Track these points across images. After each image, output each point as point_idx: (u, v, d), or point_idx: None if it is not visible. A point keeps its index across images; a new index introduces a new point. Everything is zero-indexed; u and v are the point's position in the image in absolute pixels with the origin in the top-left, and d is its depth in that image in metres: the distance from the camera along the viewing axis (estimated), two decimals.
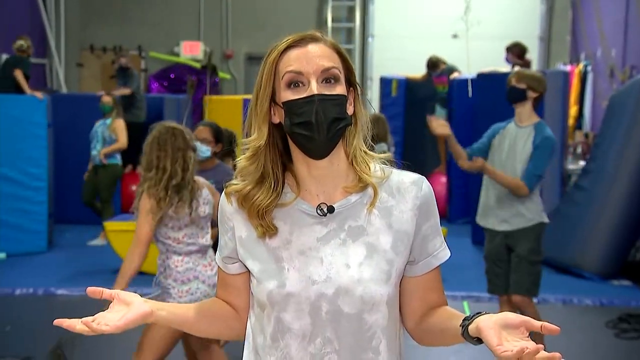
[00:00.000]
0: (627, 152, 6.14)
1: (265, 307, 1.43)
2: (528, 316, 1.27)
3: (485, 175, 4.26)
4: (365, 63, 11.06)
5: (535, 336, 1.25)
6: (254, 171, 1.44)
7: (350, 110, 1.43)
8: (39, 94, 7.73)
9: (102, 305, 1.42)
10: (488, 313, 1.29)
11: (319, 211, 1.43)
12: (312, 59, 1.39)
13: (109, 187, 7.96)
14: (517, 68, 7.37)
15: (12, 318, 5.39)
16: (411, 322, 1.49)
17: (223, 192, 1.51)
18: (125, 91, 8.67)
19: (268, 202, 1.43)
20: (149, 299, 1.48)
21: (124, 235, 6.24)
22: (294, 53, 1.40)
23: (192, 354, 3.72)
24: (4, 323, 5.23)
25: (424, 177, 1.49)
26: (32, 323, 5.26)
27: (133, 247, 3.26)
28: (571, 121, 7.74)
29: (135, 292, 1.48)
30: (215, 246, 2.41)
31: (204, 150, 4.50)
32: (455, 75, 9.20)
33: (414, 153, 8.88)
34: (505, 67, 8.19)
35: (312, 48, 1.40)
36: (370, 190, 1.44)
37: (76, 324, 1.33)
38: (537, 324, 1.21)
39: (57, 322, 1.35)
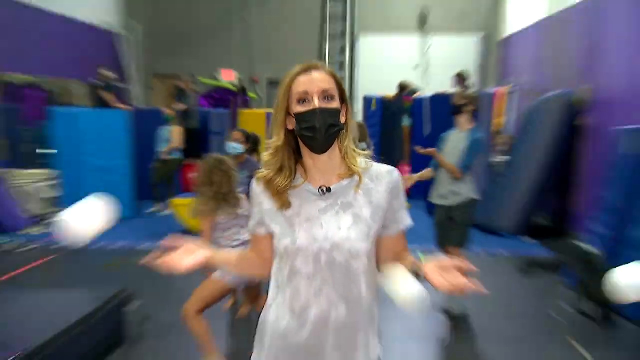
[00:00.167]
0: (533, 149, 6.10)
1: (282, 257, 1.44)
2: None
3: (438, 170, 4.29)
4: (353, 86, 10.97)
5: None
6: (275, 163, 1.44)
7: (342, 119, 1.43)
8: (128, 108, 7.77)
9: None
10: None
11: (320, 191, 1.43)
12: (315, 83, 1.38)
13: (170, 175, 7.93)
14: (459, 90, 7.37)
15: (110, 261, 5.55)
16: (385, 264, 1.49)
17: (254, 178, 1.51)
18: (182, 107, 8.64)
19: (285, 185, 1.43)
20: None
21: (184, 207, 6.25)
22: (302, 78, 1.39)
23: (252, 298, 3.70)
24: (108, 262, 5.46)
25: (395, 168, 1.48)
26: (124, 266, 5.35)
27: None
28: (497, 127, 7.68)
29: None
30: None
31: (238, 147, 4.49)
32: (417, 95, 9.20)
33: (387, 151, 8.82)
34: (452, 90, 8.16)
35: (315, 75, 1.39)
36: (357, 177, 1.44)
37: (156, 261, 1.39)
38: (463, 265, 1.24)
39: (143, 261, 1.38)
